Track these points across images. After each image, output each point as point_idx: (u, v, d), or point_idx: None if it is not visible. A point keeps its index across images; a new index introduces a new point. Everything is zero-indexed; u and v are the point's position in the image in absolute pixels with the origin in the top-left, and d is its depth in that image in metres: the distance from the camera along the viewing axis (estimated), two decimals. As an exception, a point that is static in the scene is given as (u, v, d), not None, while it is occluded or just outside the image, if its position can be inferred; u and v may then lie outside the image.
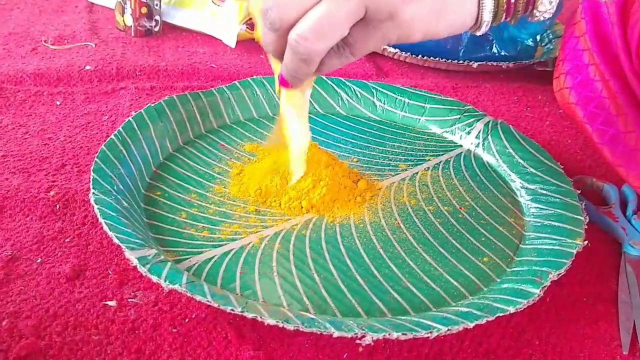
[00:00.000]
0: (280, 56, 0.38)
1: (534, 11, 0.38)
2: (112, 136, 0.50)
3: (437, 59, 0.73)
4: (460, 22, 0.36)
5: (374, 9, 0.34)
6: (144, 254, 0.38)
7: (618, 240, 0.49)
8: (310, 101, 0.59)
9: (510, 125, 0.59)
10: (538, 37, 0.80)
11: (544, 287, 0.38)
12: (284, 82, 0.39)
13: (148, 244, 0.40)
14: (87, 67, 0.69)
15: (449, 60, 0.73)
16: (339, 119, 0.63)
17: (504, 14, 0.37)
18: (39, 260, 0.42)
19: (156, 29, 0.80)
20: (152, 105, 0.55)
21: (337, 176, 0.49)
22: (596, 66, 0.61)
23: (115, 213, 0.42)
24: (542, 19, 0.39)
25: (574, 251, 0.42)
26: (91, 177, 0.45)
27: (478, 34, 0.38)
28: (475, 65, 0.73)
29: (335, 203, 0.48)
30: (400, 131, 0.61)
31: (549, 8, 0.38)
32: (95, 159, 0.47)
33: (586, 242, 0.43)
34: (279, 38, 0.36)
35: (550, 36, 0.84)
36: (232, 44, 0.77)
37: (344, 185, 0.50)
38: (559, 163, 0.53)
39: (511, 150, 0.56)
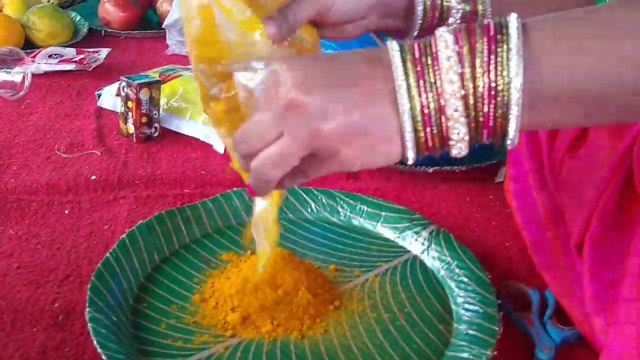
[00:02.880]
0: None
1: (451, 150, 0.42)
2: (107, 255, 0.60)
3: (396, 165, 0.83)
4: (390, 157, 0.42)
5: (318, 149, 0.42)
6: (125, 369, 0.48)
7: (533, 344, 0.57)
8: (282, 208, 0.70)
9: (451, 234, 0.68)
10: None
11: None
12: (251, 192, 0.48)
13: (131, 359, 0.49)
14: (93, 177, 0.80)
15: (407, 166, 0.83)
16: (306, 224, 0.72)
17: (426, 152, 0.44)
18: (42, 370, 0.51)
19: (155, 134, 0.91)
20: (143, 222, 0.66)
21: (301, 292, 0.58)
22: (532, 175, 0.70)
23: (105, 330, 0.52)
24: (459, 152, 0.41)
25: (483, 361, 0.51)
26: (87, 296, 0.54)
27: (409, 163, 0.46)
28: (430, 170, 0.82)
29: (294, 322, 0.56)
30: (360, 236, 0.71)
31: (460, 146, 0.40)
32: (92, 277, 0.57)
33: (495, 352, 0.52)
34: (247, 163, 0.45)
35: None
36: (221, 151, 0.88)
37: (307, 300, 0.58)
38: (488, 273, 0.62)
39: (449, 259, 0.65)
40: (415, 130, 0.39)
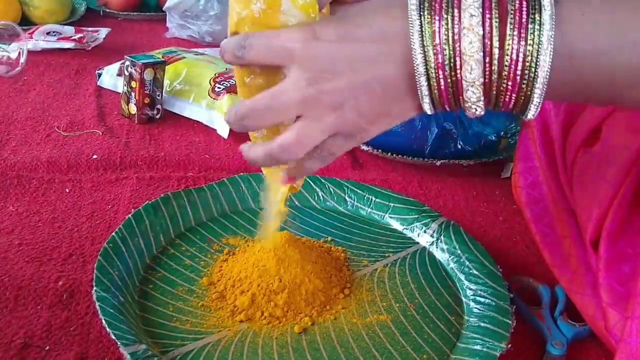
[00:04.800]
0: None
1: (466, 111, 0.43)
2: (113, 234, 0.59)
3: (404, 156, 0.82)
4: (405, 115, 0.44)
5: (344, 129, 0.43)
6: (135, 350, 0.46)
7: (544, 339, 0.56)
8: (290, 196, 0.69)
9: (461, 227, 0.67)
10: (502, 132, 0.89)
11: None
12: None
13: (139, 339, 0.48)
14: (94, 156, 0.78)
15: (415, 158, 0.82)
16: (313, 213, 0.71)
17: (440, 104, 0.42)
18: (47, 348, 0.50)
19: (157, 116, 0.90)
20: (149, 202, 0.64)
21: (311, 278, 0.57)
22: (543, 170, 0.70)
23: (113, 309, 0.50)
24: (474, 114, 0.42)
25: (497, 354, 0.50)
26: (94, 275, 0.53)
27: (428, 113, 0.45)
28: (438, 163, 0.82)
29: (304, 307, 0.56)
30: (367, 226, 0.70)
31: (474, 108, 0.42)
32: (99, 256, 0.55)
33: (509, 345, 0.51)
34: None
35: (513, 130, 0.93)
36: (225, 135, 0.86)
37: (317, 287, 0.57)
38: (499, 266, 0.61)
39: (459, 251, 0.64)
40: (429, 79, 0.39)
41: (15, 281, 0.56)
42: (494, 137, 0.88)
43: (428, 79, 0.40)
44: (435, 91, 0.40)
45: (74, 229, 0.65)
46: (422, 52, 0.39)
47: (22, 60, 1.03)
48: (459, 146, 0.85)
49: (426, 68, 0.39)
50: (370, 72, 0.42)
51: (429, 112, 0.43)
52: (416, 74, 0.40)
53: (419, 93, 0.41)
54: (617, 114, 0.60)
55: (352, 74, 0.42)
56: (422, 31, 0.39)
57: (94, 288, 0.51)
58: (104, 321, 0.48)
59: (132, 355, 0.46)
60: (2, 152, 0.78)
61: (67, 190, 0.72)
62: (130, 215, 0.62)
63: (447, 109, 0.42)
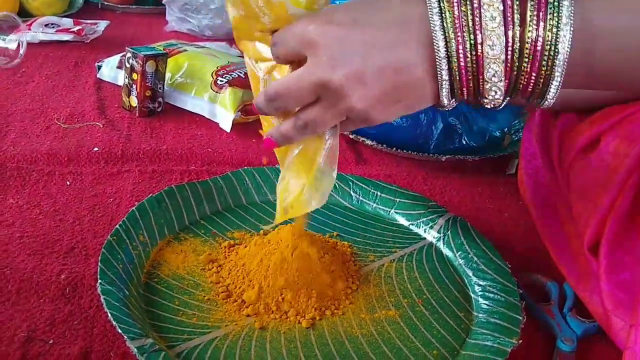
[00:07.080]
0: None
1: (486, 97, 0.42)
2: (117, 226, 0.58)
3: (409, 152, 0.81)
4: (419, 108, 0.45)
5: (353, 116, 0.44)
6: (142, 344, 0.45)
7: (554, 335, 0.56)
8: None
9: (468, 222, 0.66)
10: (506, 129, 0.89)
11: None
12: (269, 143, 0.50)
13: (145, 333, 0.47)
14: (95, 149, 0.77)
15: (420, 153, 0.82)
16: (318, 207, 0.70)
17: (460, 92, 0.42)
18: (50, 342, 0.49)
19: (159, 109, 0.89)
20: (153, 195, 0.63)
21: (319, 272, 0.56)
22: (544, 172, 0.69)
23: (118, 303, 0.49)
24: (493, 98, 0.42)
25: (509, 349, 0.49)
26: (98, 268, 0.52)
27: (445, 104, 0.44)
28: (443, 158, 0.81)
29: (311, 302, 0.55)
30: (372, 221, 0.69)
31: (494, 90, 0.41)
32: (102, 249, 0.54)
33: (520, 341, 0.51)
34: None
35: (517, 126, 0.93)
36: (227, 129, 0.85)
37: (325, 282, 0.56)
38: (507, 262, 0.61)
39: (467, 247, 0.63)
40: (449, 61, 0.39)
41: (17, 274, 0.55)
42: (498, 133, 0.87)
43: (449, 62, 0.40)
44: (456, 72, 0.40)
45: (75, 222, 0.64)
46: (442, 34, 0.39)
47: (21, 51, 1.02)
48: (464, 142, 0.84)
49: (447, 50, 0.39)
50: (385, 58, 0.41)
51: (445, 102, 0.42)
52: (437, 58, 0.40)
53: (439, 78, 0.40)
54: (616, 127, 0.58)
55: (364, 58, 0.42)
56: (441, 13, 0.39)
57: (99, 281, 0.50)
58: (109, 315, 0.47)
59: (139, 350, 0.45)
60: (1, 144, 0.76)
61: (68, 183, 0.71)
62: (134, 208, 0.61)
63: (465, 95, 0.42)
